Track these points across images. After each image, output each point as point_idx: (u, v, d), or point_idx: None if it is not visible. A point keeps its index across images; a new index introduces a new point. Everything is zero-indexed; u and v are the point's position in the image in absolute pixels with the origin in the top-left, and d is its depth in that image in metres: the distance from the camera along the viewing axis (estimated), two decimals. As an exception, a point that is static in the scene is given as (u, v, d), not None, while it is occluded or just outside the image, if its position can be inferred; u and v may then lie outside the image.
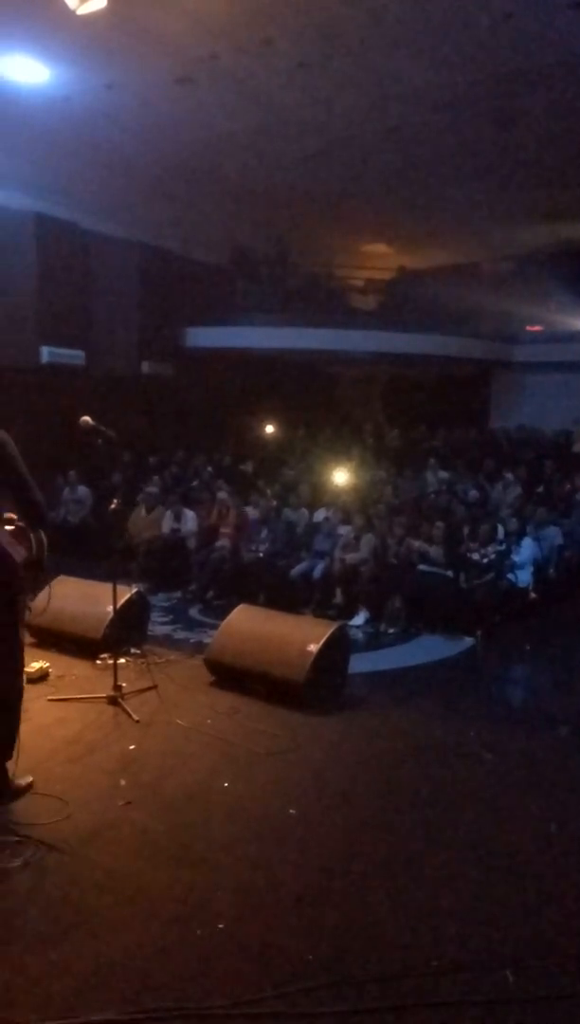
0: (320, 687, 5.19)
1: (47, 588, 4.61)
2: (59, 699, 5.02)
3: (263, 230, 16.14)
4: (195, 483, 12.25)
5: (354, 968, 2.70)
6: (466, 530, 9.29)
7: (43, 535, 3.87)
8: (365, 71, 9.34)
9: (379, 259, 18.19)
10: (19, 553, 3.74)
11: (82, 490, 11.30)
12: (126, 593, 6.03)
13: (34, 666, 5.19)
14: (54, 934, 2.82)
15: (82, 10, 7.28)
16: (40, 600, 4.37)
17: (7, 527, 3.77)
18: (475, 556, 8.66)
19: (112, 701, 5.01)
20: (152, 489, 10.92)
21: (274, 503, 10.57)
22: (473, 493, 11.28)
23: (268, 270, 17.38)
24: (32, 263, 12.70)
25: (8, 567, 3.68)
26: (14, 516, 3.83)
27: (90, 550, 8.52)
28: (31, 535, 3.83)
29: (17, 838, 3.39)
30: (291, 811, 3.78)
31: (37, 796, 3.80)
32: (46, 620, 5.39)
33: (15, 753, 3.71)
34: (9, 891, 3.06)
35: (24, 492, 3.79)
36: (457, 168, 12.63)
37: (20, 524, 3.82)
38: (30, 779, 3.85)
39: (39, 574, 4.01)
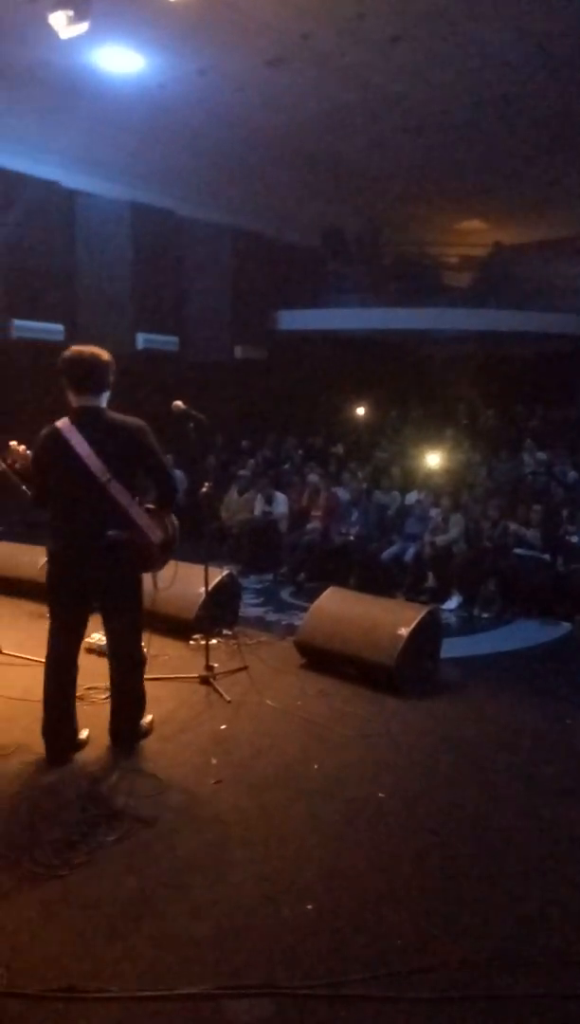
0: (411, 671, 5.15)
1: (165, 569, 4.70)
2: (153, 678, 5.13)
3: (355, 209, 15.98)
4: (286, 466, 12.31)
5: (442, 955, 2.68)
6: (564, 513, 9.04)
7: (175, 519, 4.13)
8: (460, 42, 9.08)
9: (474, 235, 17.77)
10: (156, 535, 3.99)
11: (178, 474, 11.49)
12: (218, 575, 6.12)
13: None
14: (147, 909, 2.90)
15: (174, -4, 7.32)
16: (163, 580, 4.50)
17: (146, 508, 4.01)
18: (574, 539, 8.42)
19: (204, 681, 5.10)
20: (244, 472, 11.03)
21: (365, 485, 10.52)
22: (572, 475, 10.96)
23: (360, 250, 17.22)
24: (128, 251, 12.95)
25: (146, 547, 3.96)
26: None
27: (183, 532, 8.65)
28: (166, 519, 4.08)
29: (112, 814, 3.49)
30: (381, 794, 3.77)
31: (131, 772, 3.92)
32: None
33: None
34: (104, 865, 3.15)
35: (161, 477, 4.05)
36: (554, 139, 12.19)
37: (156, 508, 4.07)
38: (150, 718, 4.28)
39: (169, 556, 4.23)
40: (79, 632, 4.12)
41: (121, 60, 9.35)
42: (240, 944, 2.72)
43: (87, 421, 3.90)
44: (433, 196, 15.18)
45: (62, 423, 3.94)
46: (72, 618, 4.08)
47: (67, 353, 3.97)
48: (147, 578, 4.26)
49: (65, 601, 4.06)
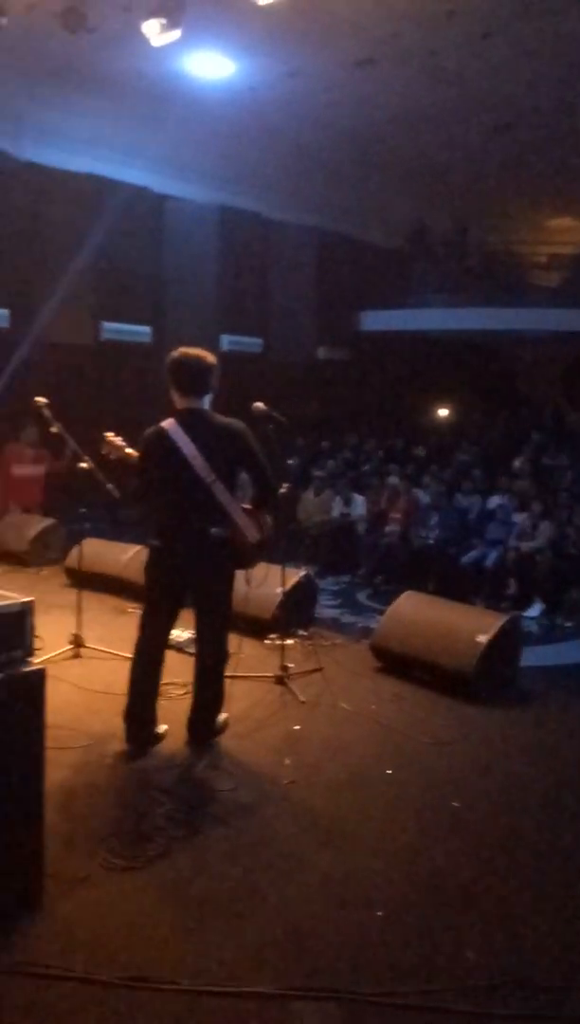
0: (489, 679, 5.06)
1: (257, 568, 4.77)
2: (229, 676, 5.18)
3: (442, 209, 15.80)
4: (366, 467, 12.26)
5: (512, 969, 2.63)
6: None
7: (270, 520, 4.20)
8: (551, 37, 8.88)
9: (564, 233, 17.35)
10: (253, 535, 4.08)
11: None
12: (295, 576, 6.14)
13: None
14: (217, 905, 2.94)
15: (264, 0, 7.38)
16: (254, 579, 4.57)
17: (243, 508, 4.10)
18: None
19: (279, 681, 5.13)
20: (319, 473, 11.04)
21: (446, 488, 10.39)
22: None
23: (446, 250, 17.02)
24: (215, 254, 13.12)
25: (242, 546, 4.06)
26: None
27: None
28: (261, 519, 4.15)
29: (186, 808, 3.55)
30: (455, 803, 3.72)
31: (206, 768, 3.97)
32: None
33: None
34: (177, 860, 3.20)
35: (261, 478, 4.13)
36: None
37: (252, 508, 4.14)
38: (225, 716, 4.32)
39: (262, 556, 4.31)
40: (169, 625, 4.27)
41: (212, 65, 9.49)
42: (309, 946, 2.73)
43: (192, 422, 4.02)
44: (522, 194, 14.90)
45: (168, 423, 4.05)
46: (165, 611, 4.23)
47: (174, 355, 4.08)
48: (239, 576, 4.32)
49: (161, 595, 4.22)
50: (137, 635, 4.25)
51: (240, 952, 2.69)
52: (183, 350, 4.09)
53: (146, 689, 4.18)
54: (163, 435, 4.02)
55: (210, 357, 4.09)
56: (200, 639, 4.23)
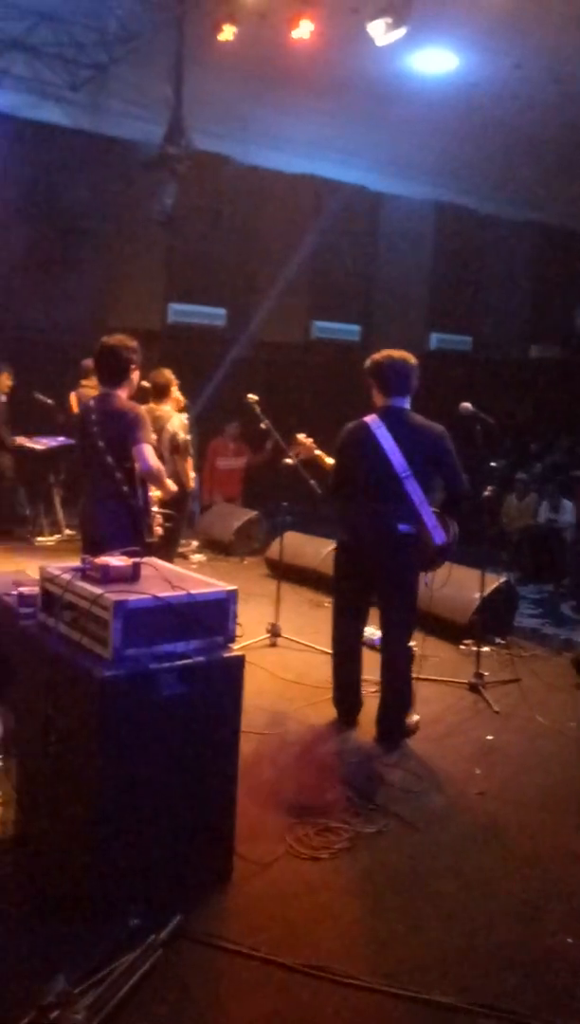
0: None
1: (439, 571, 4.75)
2: (422, 678, 5.14)
3: None
4: (578, 472, 11.67)
5: None
6: None
7: (456, 526, 4.21)
8: None
9: None
10: (439, 537, 4.11)
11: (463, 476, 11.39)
12: (495, 582, 5.98)
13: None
14: (399, 906, 2.93)
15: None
16: (436, 581, 4.55)
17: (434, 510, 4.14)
18: None
19: (473, 688, 5.02)
20: (522, 476, 10.66)
21: None
22: None
23: None
24: (429, 251, 13.02)
25: (429, 547, 4.10)
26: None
27: (464, 535, 8.56)
28: (449, 522, 4.18)
29: (373, 806, 3.57)
30: None
31: (394, 768, 3.97)
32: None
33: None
34: (359, 856, 3.23)
35: (454, 482, 4.18)
36: None
37: (440, 511, 4.18)
38: (417, 718, 4.36)
39: (444, 559, 4.32)
40: (359, 619, 4.40)
41: (435, 61, 9.38)
42: (491, 962, 2.66)
43: (393, 420, 4.14)
44: None
45: (370, 418, 4.20)
46: (353, 606, 4.38)
47: (378, 358, 4.23)
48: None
49: (348, 589, 4.39)
50: (332, 631, 4.43)
51: (422, 958, 2.66)
52: (387, 352, 4.22)
53: (347, 681, 4.41)
54: (365, 429, 4.15)
55: (412, 359, 4.20)
56: (384, 636, 4.31)
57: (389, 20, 6.69)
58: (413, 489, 4.02)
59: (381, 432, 4.08)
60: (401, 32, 6.83)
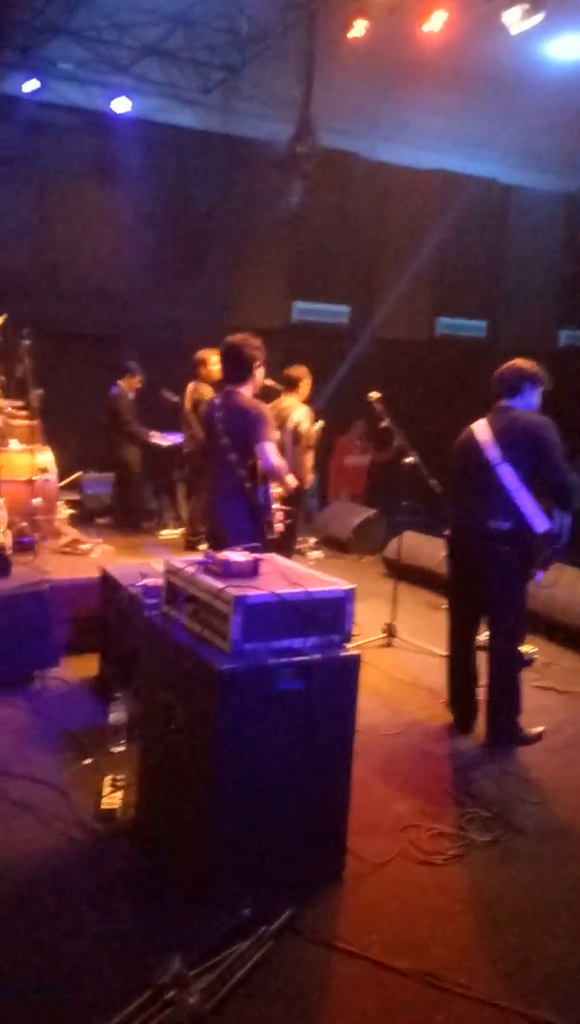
0: None
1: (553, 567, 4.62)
2: (543, 687, 5.00)
3: None
4: None
5: None
6: None
7: (567, 517, 4.08)
8: None
9: None
10: (541, 524, 4.01)
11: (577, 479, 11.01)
12: (624, 589, 5.73)
13: (521, 649, 5.23)
14: (511, 919, 2.85)
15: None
16: (548, 577, 4.43)
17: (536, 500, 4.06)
18: None
19: (597, 699, 4.83)
20: None
21: None
22: None
23: None
24: (558, 244, 12.59)
25: (529, 538, 4.00)
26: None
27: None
28: (554, 511, 4.07)
29: (488, 815, 3.49)
30: None
31: (512, 776, 3.87)
32: (538, 604, 5.39)
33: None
34: (473, 864, 3.17)
35: (552, 472, 4.06)
36: None
37: (545, 500, 4.08)
38: (541, 729, 4.27)
39: (553, 552, 4.16)
40: (471, 619, 4.32)
41: (571, 47, 9.07)
42: (608, 986, 2.55)
43: (495, 416, 4.19)
44: None
45: (477, 422, 4.24)
46: (464, 609, 4.32)
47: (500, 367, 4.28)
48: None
49: (457, 591, 4.36)
50: (448, 632, 4.40)
51: (531, 973, 2.59)
52: (508, 363, 4.24)
53: (460, 686, 4.35)
54: (468, 430, 4.24)
55: (522, 364, 4.21)
56: (490, 640, 4.21)
57: (526, 7, 6.49)
58: (506, 475, 3.97)
59: (480, 429, 4.16)
60: (538, 18, 6.61)
